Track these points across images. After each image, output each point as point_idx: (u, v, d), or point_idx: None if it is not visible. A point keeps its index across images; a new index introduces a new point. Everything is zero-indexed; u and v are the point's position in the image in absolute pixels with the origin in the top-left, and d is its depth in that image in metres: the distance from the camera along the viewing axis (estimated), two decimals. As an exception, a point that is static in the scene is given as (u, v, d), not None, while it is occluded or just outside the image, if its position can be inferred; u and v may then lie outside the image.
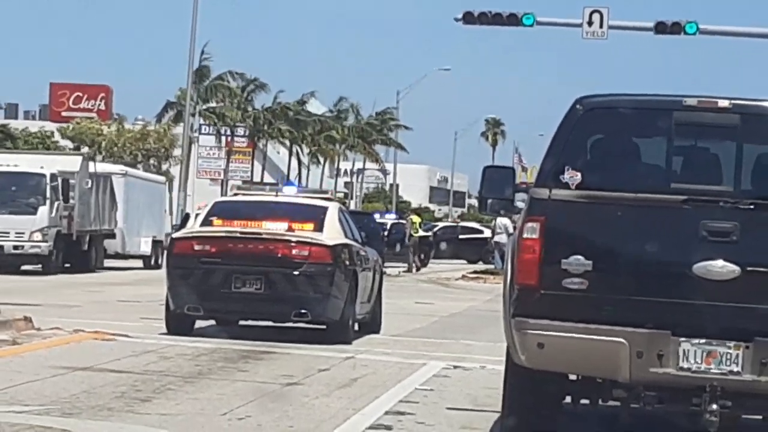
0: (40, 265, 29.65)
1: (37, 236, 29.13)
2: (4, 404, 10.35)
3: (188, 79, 65.08)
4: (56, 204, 29.90)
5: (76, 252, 31.66)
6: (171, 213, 52.84)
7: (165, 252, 25.33)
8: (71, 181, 31.02)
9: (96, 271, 31.88)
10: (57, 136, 77.75)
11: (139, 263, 37.95)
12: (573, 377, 9.61)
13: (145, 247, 38.18)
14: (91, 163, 35.18)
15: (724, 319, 8.95)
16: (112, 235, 35.36)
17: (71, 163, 33.02)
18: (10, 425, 9.26)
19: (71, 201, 30.89)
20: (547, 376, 9.49)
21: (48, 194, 29.64)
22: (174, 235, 22.04)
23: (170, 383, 12.33)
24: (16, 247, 29.08)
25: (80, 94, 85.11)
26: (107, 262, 35.20)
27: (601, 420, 10.97)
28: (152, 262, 38.06)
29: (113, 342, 16.11)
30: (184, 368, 13.70)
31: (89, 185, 32.55)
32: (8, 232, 29.04)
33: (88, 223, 32.43)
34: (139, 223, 38.23)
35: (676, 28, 34.94)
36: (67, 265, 30.87)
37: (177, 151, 69.61)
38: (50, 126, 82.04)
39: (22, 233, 29.10)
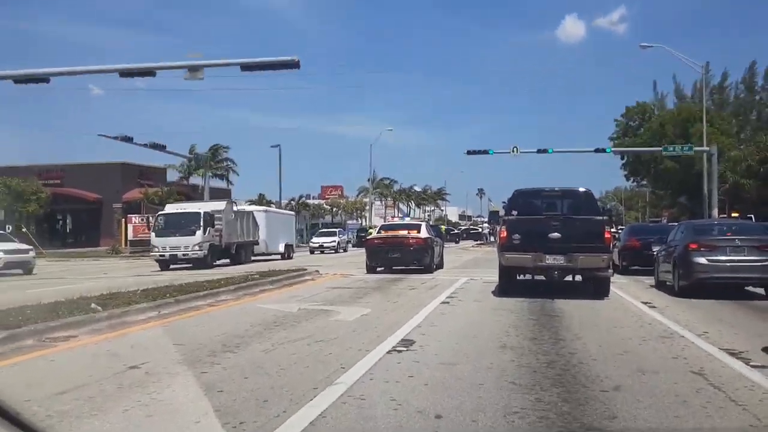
0: (199, 263, 21.91)
1: (196, 248, 22.08)
2: (309, 302, 10.40)
3: (370, 182, 65.65)
4: (208, 229, 22.59)
5: (227, 254, 23.83)
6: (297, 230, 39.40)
7: (363, 245, 22.40)
8: (216, 215, 23.34)
9: (245, 264, 23.46)
10: (325, 206, 78.37)
11: (278, 257, 27.92)
12: (518, 267, 10.51)
13: (281, 249, 28.96)
14: (234, 206, 26.42)
15: (559, 249, 9.93)
16: (257, 243, 26.89)
17: (218, 205, 24.54)
18: (311, 310, 9.34)
19: (217, 226, 23.14)
20: (511, 268, 10.49)
21: (201, 223, 22.38)
22: (366, 237, 21.92)
23: (368, 291, 12.34)
24: (184, 254, 22.07)
25: (332, 189, 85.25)
26: (255, 258, 26.39)
27: (525, 282, 10.83)
28: (286, 256, 28.67)
29: (347, 278, 16.08)
30: (373, 285, 13.62)
31: (233, 216, 24.90)
32: (180, 246, 22.01)
33: (234, 238, 24.50)
34: (277, 236, 29.24)
35: (544, 151, 33.24)
36: (220, 261, 23.41)
37: (367, 207, 69.35)
38: (321, 201, 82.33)
39: (188, 246, 22.05)
